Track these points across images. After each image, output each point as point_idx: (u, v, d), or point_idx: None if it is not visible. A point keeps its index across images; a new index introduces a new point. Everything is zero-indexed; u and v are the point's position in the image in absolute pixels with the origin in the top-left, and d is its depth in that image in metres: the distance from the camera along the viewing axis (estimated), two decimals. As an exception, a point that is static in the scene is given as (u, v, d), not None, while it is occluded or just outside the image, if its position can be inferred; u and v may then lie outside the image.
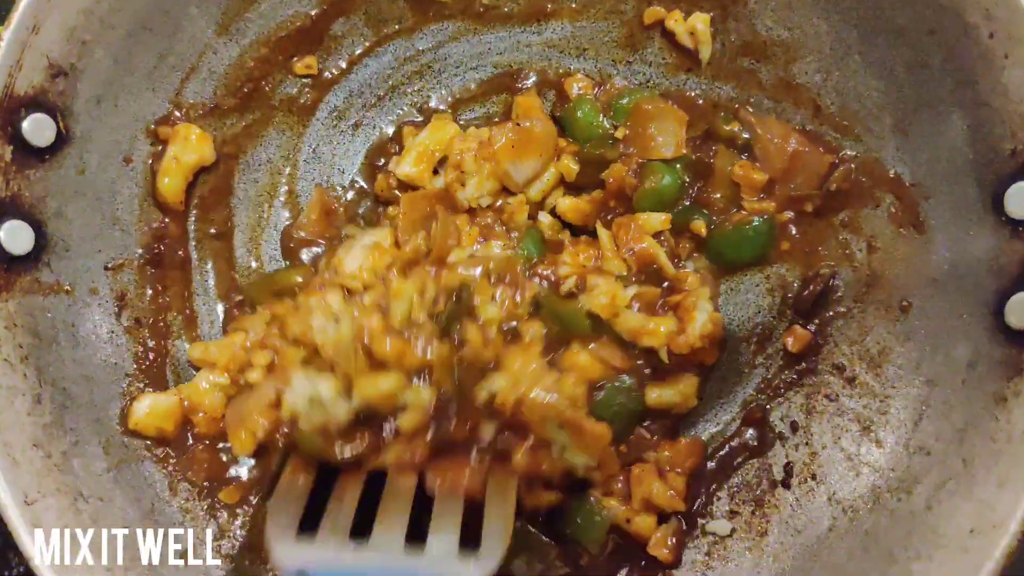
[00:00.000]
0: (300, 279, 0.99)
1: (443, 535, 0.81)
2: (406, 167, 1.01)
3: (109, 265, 0.99)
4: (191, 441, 0.98)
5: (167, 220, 1.02)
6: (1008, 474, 0.81)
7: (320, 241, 1.04)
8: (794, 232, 0.98)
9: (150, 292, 1.01)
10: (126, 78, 0.98)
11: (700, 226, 0.96)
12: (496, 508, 0.84)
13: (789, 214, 0.98)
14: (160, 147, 1.01)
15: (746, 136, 0.98)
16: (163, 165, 1.00)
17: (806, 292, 0.97)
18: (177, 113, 1.02)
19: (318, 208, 1.04)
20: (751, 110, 1.00)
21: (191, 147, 1.00)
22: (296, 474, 0.86)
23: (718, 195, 0.98)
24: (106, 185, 0.99)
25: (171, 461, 0.98)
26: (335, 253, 0.97)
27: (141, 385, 0.99)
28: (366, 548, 0.80)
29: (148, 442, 0.97)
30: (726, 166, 0.97)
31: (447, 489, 0.84)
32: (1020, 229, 0.85)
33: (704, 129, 0.99)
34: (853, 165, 0.96)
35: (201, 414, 0.97)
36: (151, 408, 0.96)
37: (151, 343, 1.00)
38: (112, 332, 0.99)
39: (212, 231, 1.04)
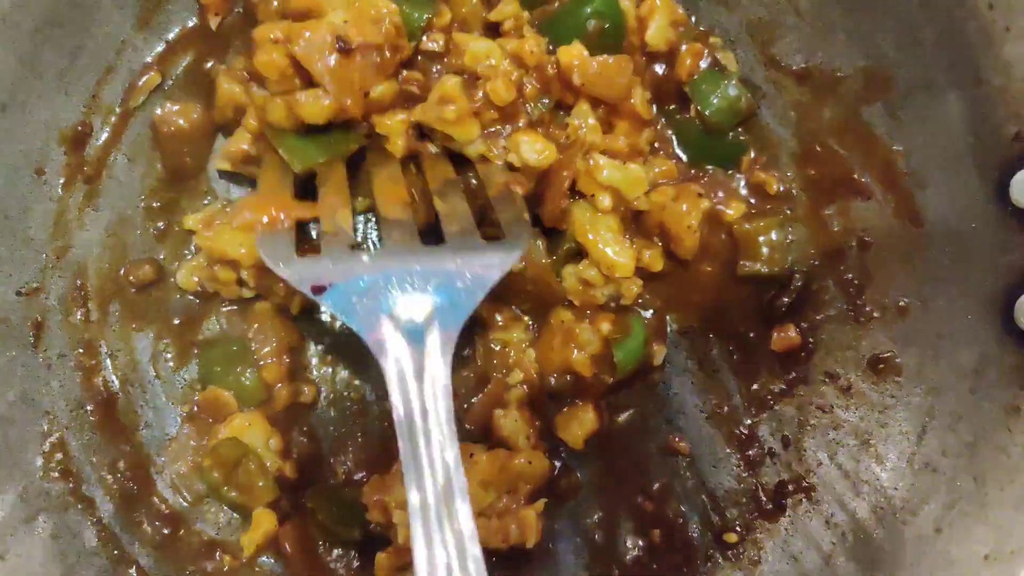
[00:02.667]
0: None
1: (459, 223, 0.78)
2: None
3: (21, 290, 0.89)
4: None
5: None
6: (1025, 493, 0.73)
7: None
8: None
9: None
10: (34, 81, 0.89)
11: None
12: (505, 202, 0.81)
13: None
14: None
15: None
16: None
17: (778, 299, 0.89)
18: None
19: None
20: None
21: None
22: (273, 189, 0.82)
23: None
24: (16, 202, 0.89)
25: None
26: None
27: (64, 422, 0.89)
28: (381, 250, 0.77)
29: (71, 486, 0.87)
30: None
31: (446, 183, 0.82)
32: (1027, 220, 0.78)
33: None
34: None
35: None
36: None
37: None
38: (28, 365, 0.88)
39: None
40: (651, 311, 0.92)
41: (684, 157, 0.93)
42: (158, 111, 0.93)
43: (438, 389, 0.69)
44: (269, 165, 0.86)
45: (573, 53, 0.84)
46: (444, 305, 0.72)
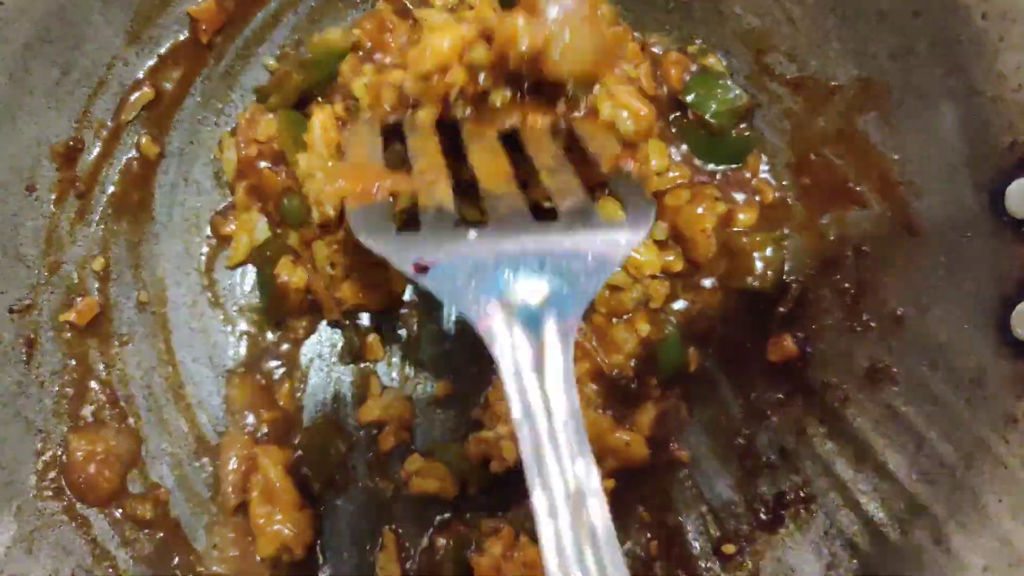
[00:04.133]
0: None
1: (574, 198, 0.69)
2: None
3: (14, 307, 0.88)
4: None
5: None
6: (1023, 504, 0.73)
7: None
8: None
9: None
10: (24, 97, 0.88)
11: None
12: (624, 184, 0.73)
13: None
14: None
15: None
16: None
17: (774, 309, 0.89)
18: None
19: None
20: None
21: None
22: (363, 157, 0.74)
23: None
24: (7, 218, 0.88)
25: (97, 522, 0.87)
26: None
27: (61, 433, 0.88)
28: (489, 227, 0.66)
29: (66, 504, 0.87)
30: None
31: (553, 158, 0.73)
32: (1023, 230, 0.77)
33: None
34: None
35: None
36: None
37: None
38: (20, 383, 0.88)
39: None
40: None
41: (696, 161, 0.93)
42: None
43: (561, 384, 0.60)
44: (357, 132, 0.80)
45: None
46: (562, 289, 0.63)
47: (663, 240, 0.92)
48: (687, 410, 0.92)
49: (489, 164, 0.74)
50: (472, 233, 0.67)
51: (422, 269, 0.65)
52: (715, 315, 0.93)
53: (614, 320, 0.90)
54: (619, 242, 0.67)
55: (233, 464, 0.90)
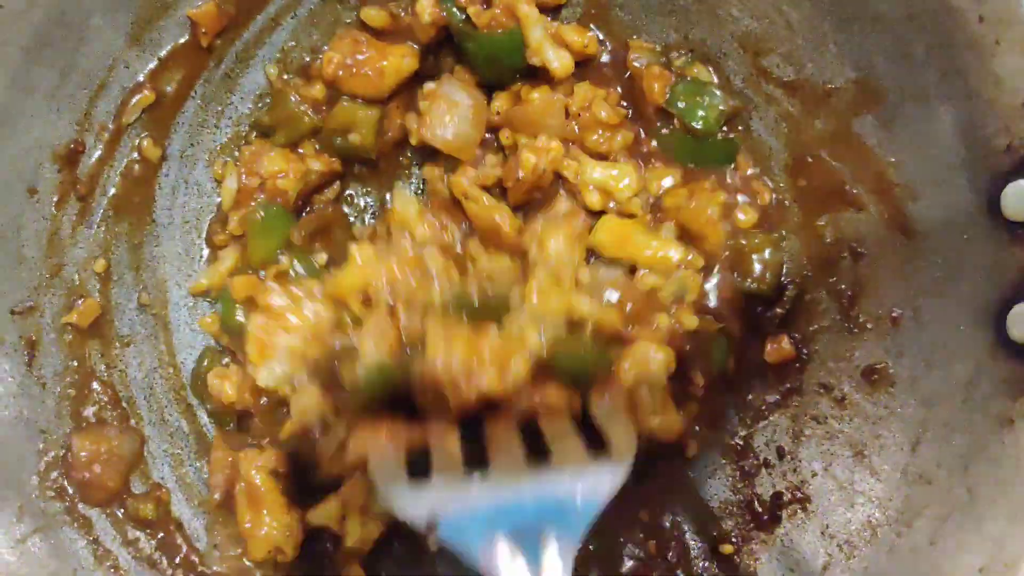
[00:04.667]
0: None
1: (565, 443, 0.76)
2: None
3: (16, 309, 0.89)
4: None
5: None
6: (1019, 506, 0.74)
7: None
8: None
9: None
10: (25, 100, 0.88)
11: None
12: (612, 417, 0.79)
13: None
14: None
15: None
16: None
17: (770, 310, 0.89)
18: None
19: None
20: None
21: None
22: (379, 430, 0.79)
23: None
24: (9, 220, 0.89)
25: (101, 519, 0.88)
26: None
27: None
28: (489, 477, 0.74)
29: (68, 504, 0.87)
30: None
31: (552, 411, 0.79)
32: (1019, 232, 0.78)
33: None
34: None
35: None
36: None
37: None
38: (23, 384, 0.88)
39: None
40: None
41: (687, 164, 0.93)
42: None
43: None
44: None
45: None
46: (558, 528, 0.70)
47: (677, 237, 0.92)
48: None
49: (496, 425, 0.79)
50: (475, 487, 0.73)
51: (432, 523, 0.71)
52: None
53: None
54: (604, 481, 0.73)
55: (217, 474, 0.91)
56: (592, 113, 0.91)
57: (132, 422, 0.93)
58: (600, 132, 0.92)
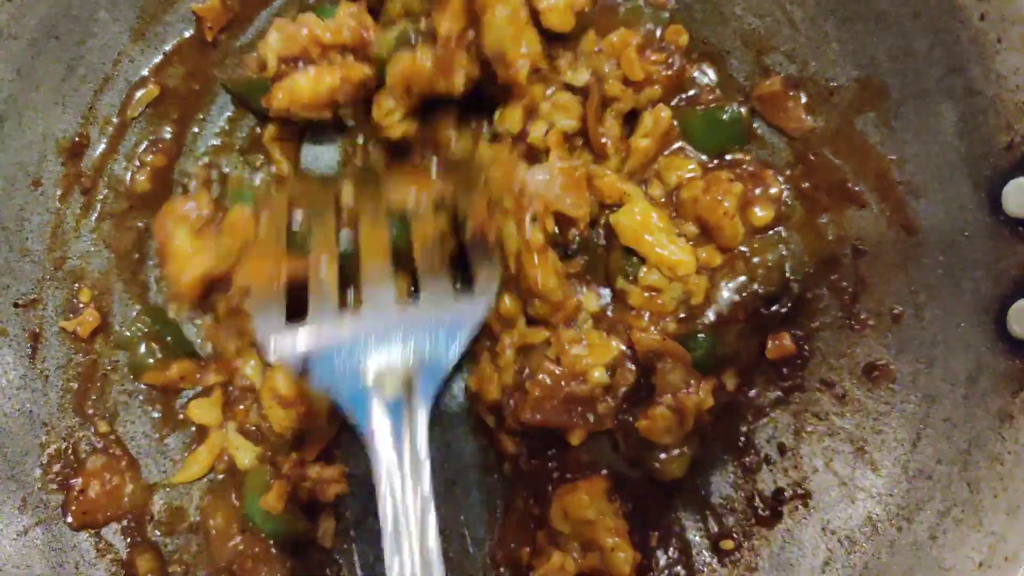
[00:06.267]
0: None
1: (434, 280, 0.80)
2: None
3: (20, 302, 0.89)
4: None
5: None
6: (1018, 500, 0.74)
7: None
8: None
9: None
10: (31, 93, 0.89)
11: None
12: (479, 252, 0.82)
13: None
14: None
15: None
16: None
17: (772, 307, 0.89)
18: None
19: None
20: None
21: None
22: (263, 264, 0.83)
23: None
24: (14, 213, 0.89)
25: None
26: None
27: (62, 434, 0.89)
28: (360, 313, 0.78)
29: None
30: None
31: (428, 240, 0.83)
32: (1020, 229, 0.78)
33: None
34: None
35: None
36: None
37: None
38: (26, 377, 0.88)
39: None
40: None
41: (702, 156, 0.93)
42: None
43: (420, 455, 0.71)
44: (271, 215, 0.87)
45: None
46: (423, 364, 0.74)
47: (696, 235, 0.91)
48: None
49: (372, 246, 0.83)
50: (345, 324, 0.77)
51: (305, 364, 0.75)
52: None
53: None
54: (465, 316, 0.78)
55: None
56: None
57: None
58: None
